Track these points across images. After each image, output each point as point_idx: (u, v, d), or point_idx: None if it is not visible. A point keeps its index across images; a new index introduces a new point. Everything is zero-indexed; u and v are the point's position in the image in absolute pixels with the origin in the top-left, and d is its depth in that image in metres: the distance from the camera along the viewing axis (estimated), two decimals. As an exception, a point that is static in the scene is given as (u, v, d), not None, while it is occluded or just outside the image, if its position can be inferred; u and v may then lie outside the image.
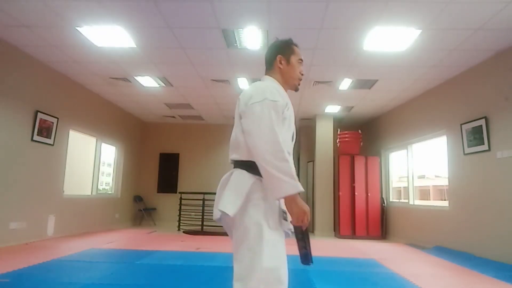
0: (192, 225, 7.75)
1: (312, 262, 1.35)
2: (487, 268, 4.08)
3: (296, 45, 1.67)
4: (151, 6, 3.71)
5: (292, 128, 1.54)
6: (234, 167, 1.47)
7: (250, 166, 1.37)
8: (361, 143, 7.79)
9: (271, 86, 1.48)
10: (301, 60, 1.65)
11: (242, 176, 1.38)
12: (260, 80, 1.61)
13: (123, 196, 8.48)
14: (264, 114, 1.33)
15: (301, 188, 1.26)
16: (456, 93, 5.35)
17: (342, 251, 5.56)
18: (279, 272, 1.25)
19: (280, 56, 1.61)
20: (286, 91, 1.58)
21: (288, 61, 1.61)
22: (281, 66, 1.60)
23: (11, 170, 4.86)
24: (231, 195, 1.34)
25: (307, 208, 1.29)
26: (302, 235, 1.35)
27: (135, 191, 9.16)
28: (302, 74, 1.65)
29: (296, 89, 1.66)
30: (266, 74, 1.63)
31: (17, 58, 4.90)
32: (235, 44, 4.57)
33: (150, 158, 9.57)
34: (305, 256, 1.35)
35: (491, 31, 3.99)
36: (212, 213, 1.50)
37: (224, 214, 1.33)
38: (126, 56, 5.04)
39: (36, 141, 5.29)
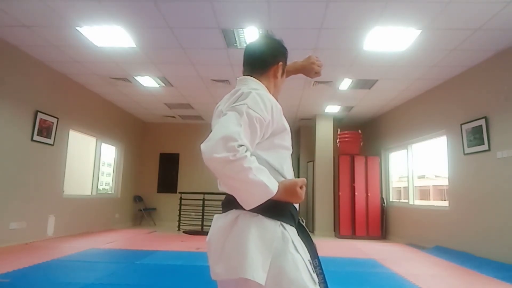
0: (192, 225, 7.75)
1: None
2: (487, 268, 4.08)
3: None
4: (151, 6, 3.71)
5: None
6: (233, 205, 1.09)
7: (273, 207, 1.06)
8: (361, 143, 7.79)
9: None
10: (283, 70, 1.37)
11: (262, 225, 1.05)
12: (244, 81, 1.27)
13: (123, 196, 8.47)
14: None
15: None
16: (456, 93, 5.35)
17: (342, 251, 5.56)
18: None
19: (282, 64, 1.30)
20: None
21: (283, 72, 1.34)
22: (278, 76, 1.30)
23: (11, 170, 4.86)
24: (256, 255, 1.00)
25: (292, 182, 1.09)
26: (323, 276, 1.14)
27: (135, 191, 9.16)
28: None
29: None
30: (253, 76, 1.26)
31: (17, 58, 4.90)
32: (235, 44, 4.57)
33: (150, 158, 9.56)
34: None
35: (491, 31, 3.99)
36: (212, 214, 1.31)
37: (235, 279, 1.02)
38: (126, 56, 5.04)
39: (36, 141, 5.28)
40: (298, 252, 1.05)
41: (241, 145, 0.97)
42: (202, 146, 0.98)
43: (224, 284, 1.13)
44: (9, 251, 4.41)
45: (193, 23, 4.07)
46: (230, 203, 1.11)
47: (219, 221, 1.14)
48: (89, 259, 4.23)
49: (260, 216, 1.06)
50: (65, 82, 6.01)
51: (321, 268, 1.13)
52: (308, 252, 1.12)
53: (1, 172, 4.69)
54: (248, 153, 0.98)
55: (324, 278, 1.13)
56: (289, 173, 1.18)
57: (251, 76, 1.27)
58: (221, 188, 1.15)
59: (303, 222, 1.19)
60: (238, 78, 1.30)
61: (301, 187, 1.08)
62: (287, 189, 1.06)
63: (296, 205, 1.18)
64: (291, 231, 1.09)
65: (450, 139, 5.42)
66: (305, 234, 1.16)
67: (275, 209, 1.07)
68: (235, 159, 0.94)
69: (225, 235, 1.08)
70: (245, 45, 4.53)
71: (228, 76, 5.79)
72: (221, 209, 1.20)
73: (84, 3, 3.68)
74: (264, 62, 1.27)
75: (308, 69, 1.50)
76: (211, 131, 1.22)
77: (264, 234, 1.04)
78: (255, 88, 1.16)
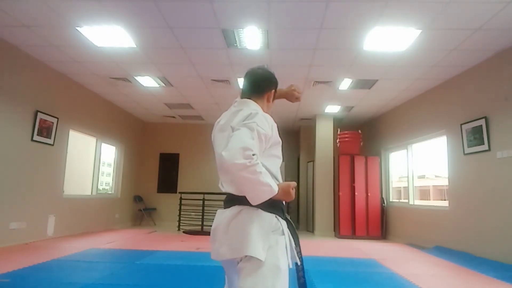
0: (192, 225, 7.75)
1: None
2: (487, 268, 4.08)
3: None
4: (151, 6, 3.71)
5: None
6: (237, 202, 1.35)
7: (269, 203, 1.31)
8: (361, 143, 7.79)
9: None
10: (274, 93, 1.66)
11: (261, 216, 1.32)
12: (245, 103, 1.53)
13: (123, 196, 8.48)
14: None
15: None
16: (456, 93, 5.35)
17: (342, 251, 5.56)
18: None
19: (274, 91, 1.60)
20: None
21: (274, 97, 1.63)
22: (270, 100, 1.59)
23: (11, 170, 4.86)
24: (258, 238, 1.27)
25: (286, 184, 1.35)
26: (302, 265, 1.43)
27: (135, 191, 9.16)
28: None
29: None
30: (251, 99, 1.54)
31: (17, 58, 4.90)
32: (235, 44, 4.57)
33: (150, 158, 9.56)
34: (303, 285, 1.44)
35: (491, 31, 3.99)
36: (212, 214, 1.45)
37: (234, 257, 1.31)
38: (126, 56, 5.04)
39: (36, 141, 5.28)
40: (284, 237, 1.34)
41: (254, 154, 1.22)
42: (224, 153, 1.22)
43: (226, 264, 1.42)
44: (9, 251, 4.41)
45: (193, 23, 4.07)
46: (232, 200, 1.38)
47: (224, 214, 1.39)
48: (89, 259, 4.23)
49: (260, 210, 1.32)
50: (65, 82, 6.01)
51: (300, 254, 1.42)
52: (294, 241, 1.41)
53: (1, 172, 4.69)
54: (259, 161, 1.23)
55: (302, 261, 1.42)
56: (280, 178, 1.46)
57: (249, 98, 1.54)
58: (225, 189, 1.41)
59: (288, 217, 1.45)
60: (237, 100, 1.57)
61: (292, 189, 1.36)
62: (283, 189, 1.33)
63: (284, 203, 1.45)
64: (282, 222, 1.38)
65: (450, 139, 5.42)
66: (291, 227, 1.43)
67: (271, 205, 1.34)
68: (251, 165, 1.19)
69: (229, 223, 1.34)
70: (245, 45, 4.56)
71: (228, 76, 5.79)
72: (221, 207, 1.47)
73: (84, 3, 3.68)
74: (261, 89, 1.57)
75: (290, 95, 1.77)
76: (213, 144, 1.51)
77: (263, 223, 1.31)
78: (255, 109, 1.43)
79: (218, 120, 1.56)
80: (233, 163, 1.19)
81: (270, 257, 1.27)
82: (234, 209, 1.35)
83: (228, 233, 1.33)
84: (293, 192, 1.36)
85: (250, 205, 1.29)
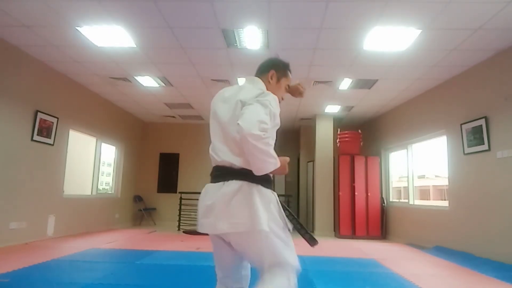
0: (192, 225, 7.74)
1: (317, 241, 1.53)
2: (487, 268, 4.08)
3: (290, 71, 1.78)
4: (151, 6, 3.71)
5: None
6: (234, 176, 1.44)
7: (266, 180, 1.46)
8: (361, 143, 7.79)
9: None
10: (288, 87, 1.78)
11: (262, 191, 1.43)
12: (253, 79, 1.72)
13: (123, 196, 8.48)
14: None
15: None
16: (456, 93, 5.35)
17: (342, 251, 5.56)
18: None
19: (274, 71, 1.71)
20: None
21: (278, 80, 1.72)
22: (270, 81, 1.70)
23: (11, 170, 4.86)
24: (263, 212, 1.38)
25: (283, 159, 1.46)
26: (300, 225, 1.52)
27: (135, 191, 9.16)
28: (282, 99, 1.77)
29: None
30: (257, 77, 1.74)
31: (17, 58, 4.90)
32: (235, 44, 4.57)
33: (150, 158, 9.56)
34: (311, 239, 1.52)
35: (491, 31, 3.99)
36: None
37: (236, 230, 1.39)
38: (126, 56, 5.04)
39: (36, 141, 5.28)
40: (279, 207, 1.47)
41: (268, 128, 1.35)
42: (241, 123, 1.31)
43: (216, 239, 1.50)
44: (9, 251, 4.41)
45: (193, 23, 4.07)
46: (228, 174, 1.44)
47: (222, 189, 1.43)
48: (89, 259, 4.23)
49: (259, 185, 1.43)
50: (65, 82, 6.01)
51: (293, 215, 1.53)
52: (284, 210, 1.52)
53: (1, 172, 4.69)
54: (269, 135, 1.35)
55: (295, 218, 1.53)
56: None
57: (257, 77, 1.71)
58: (221, 159, 1.47)
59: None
60: (247, 77, 1.74)
61: (287, 163, 1.50)
62: (282, 163, 1.44)
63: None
64: (275, 195, 1.50)
65: (450, 139, 5.42)
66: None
67: (268, 181, 1.47)
68: (265, 137, 1.30)
69: (229, 199, 1.39)
70: (245, 45, 4.57)
71: (228, 76, 5.79)
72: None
73: (84, 3, 3.68)
74: (265, 69, 1.73)
75: (294, 89, 1.89)
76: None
77: (264, 197, 1.42)
78: (262, 89, 1.59)
79: (221, 91, 1.70)
80: (250, 133, 1.28)
81: (276, 229, 1.40)
82: (233, 184, 1.41)
83: (229, 208, 1.39)
84: (287, 166, 1.51)
85: (248, 180, 1.40)
